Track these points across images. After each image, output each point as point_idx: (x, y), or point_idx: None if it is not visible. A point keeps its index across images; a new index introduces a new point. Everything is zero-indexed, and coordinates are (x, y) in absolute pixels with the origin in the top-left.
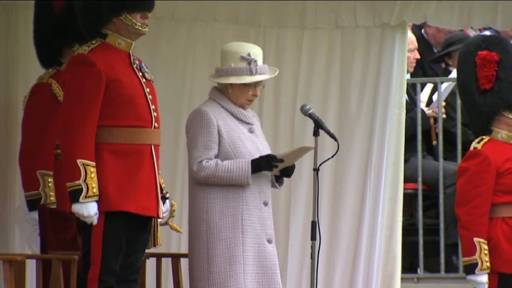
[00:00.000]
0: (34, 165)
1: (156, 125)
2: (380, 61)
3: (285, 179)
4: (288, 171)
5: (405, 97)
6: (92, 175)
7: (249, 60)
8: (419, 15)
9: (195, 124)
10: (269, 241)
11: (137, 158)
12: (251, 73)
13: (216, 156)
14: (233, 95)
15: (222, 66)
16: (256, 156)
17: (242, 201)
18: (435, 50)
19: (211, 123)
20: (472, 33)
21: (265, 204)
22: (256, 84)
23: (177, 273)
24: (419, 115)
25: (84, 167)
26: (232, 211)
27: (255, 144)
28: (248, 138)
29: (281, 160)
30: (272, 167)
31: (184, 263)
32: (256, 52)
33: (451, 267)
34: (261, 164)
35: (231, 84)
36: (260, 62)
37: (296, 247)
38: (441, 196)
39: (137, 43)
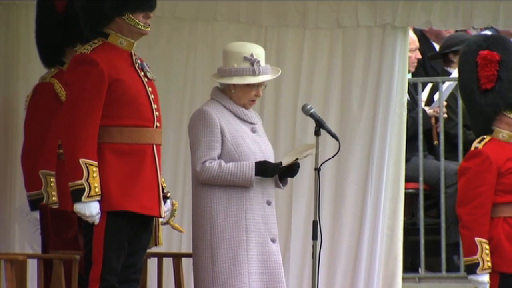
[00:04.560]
0: (36, 165)
1: (158, 124)
2: (382, 60)
3: (288, 178)
4: (292, 172)
5: (406, 96)
6: (94, 175)
7: (252, 61)
8: (423, 18)
9: (197, 124)
10: (273, 240)
11: (139, 157)
12: (254, 74)
13: (219, 156)
14: (236, 95)
15: (225, 66)
16: (259, 156)
17: (246, 201)
18: (437, 49)
19: (213, 123)
20: (473, 33)
21: (269, 203)
22: (259, 84)
23: (178, 273)
24: (420, 115)
25: (87, 167)
26: (235, 211)
27: (258, 143)
28: (251, 138)
29: (284, 168)
30: (275, 175)
31: (185, 263)
32: (259, 52)
33: (452, 267)
34: (267, 171)
35: (234, 85)
36: (262, 62)
37: (297, 246)
38: (442, 196)
39: (138, 42)
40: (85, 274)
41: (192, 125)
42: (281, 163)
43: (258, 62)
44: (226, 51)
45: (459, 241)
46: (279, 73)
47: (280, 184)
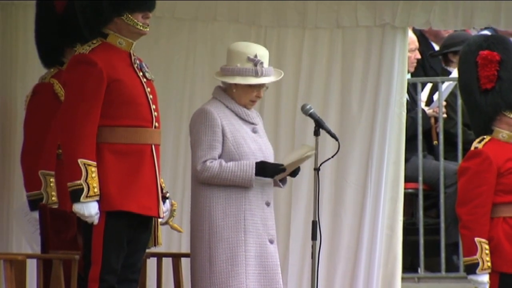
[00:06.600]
0: (36, 165)
1: (156, 124)
2: (381, 60)
3: (288, 177)
4: (292, 172)
5: (406, 96)
6: (93, 175)
7: (255, 62)
8: (422, 18)
9: (199, 123)
10: (271, 241)
11: (138, 157)
12: (256, 75)
13: (220, 156)
14: (237, 95)
15: (228, 65)
16: (259, 156)
17: (245, 201)
18: (436, 49)
19: (215, 123)
20: (473, 33)
21: (267, 204)
22: (260, 85)
23: (178, 273)
24: (419, 115)
25: (85, 167)
26: (234, 211)
27: (258, 144)
28: (252, 138)
29: (285, 169)
30: (275, 176)
31: (185, 263)
32: (263, 53)
33: (451, 267)
34: (266, 171)
35: (235, 84)
36: (266, 64)
37: (296, 246)
38: (442, 196)
39: (138, 42)
40: (84, 274)
41: (193, 124)
42: (281, 164)
43: (262, 63)
44: (231, 50)
45: (459, 241)
46: (281, 76)
47: (280, 184)
